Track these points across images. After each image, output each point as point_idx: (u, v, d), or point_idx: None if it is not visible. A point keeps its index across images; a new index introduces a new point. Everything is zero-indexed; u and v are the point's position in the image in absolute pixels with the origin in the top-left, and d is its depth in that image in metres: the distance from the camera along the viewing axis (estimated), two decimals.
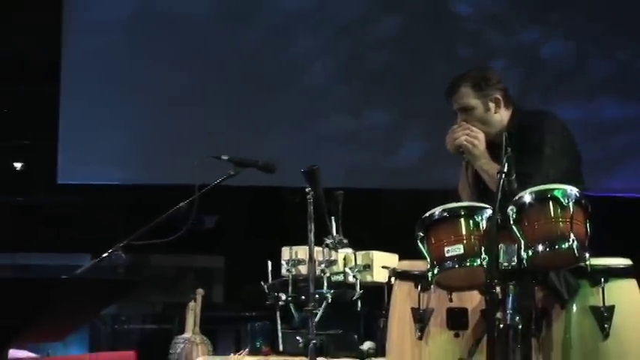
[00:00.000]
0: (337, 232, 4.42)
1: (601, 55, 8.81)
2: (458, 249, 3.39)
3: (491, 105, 4.11)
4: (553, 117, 4.06)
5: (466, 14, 8.89)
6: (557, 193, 3.29)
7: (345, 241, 4.48)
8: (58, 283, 3.16)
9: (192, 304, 5.23)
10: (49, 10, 8.69)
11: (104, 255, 3.90)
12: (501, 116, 4.12)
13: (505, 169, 3.31)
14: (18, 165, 9.62)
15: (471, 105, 4.10)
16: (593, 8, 8.87)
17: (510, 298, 3.19)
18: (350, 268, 4.53)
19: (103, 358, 3.50)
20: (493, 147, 3.99)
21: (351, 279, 4.51)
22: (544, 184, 3.49)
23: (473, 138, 4.01)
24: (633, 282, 3.57)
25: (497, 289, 3.25)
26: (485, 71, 4.23)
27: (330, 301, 4.10)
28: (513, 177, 3.33)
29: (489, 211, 3.37)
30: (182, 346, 5.05)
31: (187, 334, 5.13)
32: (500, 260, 3.22)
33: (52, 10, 8.66)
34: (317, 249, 4.11)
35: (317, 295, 4.02)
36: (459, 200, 4.05)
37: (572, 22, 8.87)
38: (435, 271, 3.45)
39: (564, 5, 8.86)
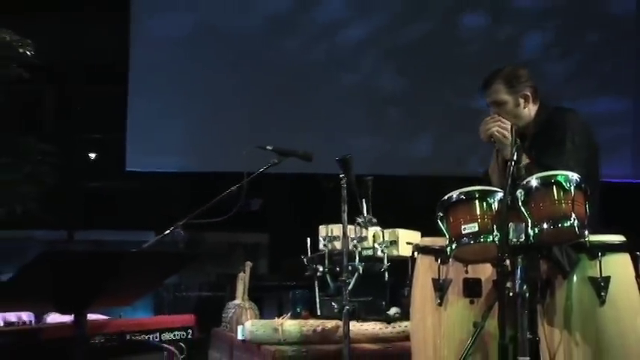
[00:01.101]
0: (367, 213, 4.41)
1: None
2: (473, 227, 3.38)
3: (521, 100, 4.01)
4: (575, 114, 3.96)
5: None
6: (560, 179, 3.27)
7: (375, 220, 4.48)
8: (129, 255, 3.19)
9: (241, 274, 5.22)
10: (118, 23, 8.73)
11: (166, 232, 3.92)
12: (529, 111, 4.04)
13: (514, 158, 3.29)
14: (92, 155, 9.70)
15: (502, 100, 4.02)
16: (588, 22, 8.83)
17: (519, 269, 3.18)
18: (378, 244, 4.53)
19: (167, 320, 3.50)
20: (520, 136, 3.91)
21: (379, 253, 4.51)
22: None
23: (503, 129, 3.88)
24: (627, 256, 3.53)
25: (507, 262, 3.22)
26: (517, 69, 4.11)
27: (361, 272, 4.10)
28: (521, 165, 3.31)
29: (500, 194, 3.36)
30: (233, 310, 5.05)
31: (238, 301, 5.13)
32: (510, 237, 3.20)
33: (121, 23, 8.70)
34: (350, 227, 4.09)
35: (350, 267, 4.01)
36: (489, 181, 4.02)
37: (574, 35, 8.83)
38: (453, 247, 3.44)
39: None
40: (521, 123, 3.98)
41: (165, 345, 3.38)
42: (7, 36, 7.17)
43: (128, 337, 3.26)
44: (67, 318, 3.16)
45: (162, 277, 3.83)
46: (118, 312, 3.50)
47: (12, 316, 3.14)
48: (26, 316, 3.11)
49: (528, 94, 4.03)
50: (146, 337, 3.33)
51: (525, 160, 3.72)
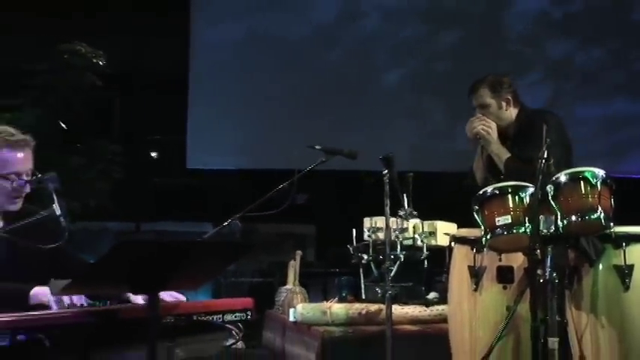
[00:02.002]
0: (408, 206, 4.41)
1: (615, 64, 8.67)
2: (506, 219, 3.39)
3: (503, 103, 4.20)
4: (551, 115, 4.10)
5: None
6: (587, 174, 3.27)
7: (415, 213, 4.48)
8: (196, 244, 3.22)
9: (292, 262, 5.25)
10: (178, 35, 8.80)
11: (225, 224, 3.96)
12: (511, 113, 4.22)
13: (545, 156, 3.28)
14: (156, 155, 9.79)
15: (487, 103, 4.21)
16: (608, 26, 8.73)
17: (548, 258, 3.18)
18: (418, 235, 4.53)
19: (229, 303, 3.51)
20: (503, 137, 4.16)
21: (419, 243, 4.52)
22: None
23: (487, 127, 4.13)
24: None
25: (538, 251, 3.23)
26: (500, 77, 4.29)
27: (402, 260, 4.10)
28: (551, 161, 3.30)
29: (531, 189, 3.36)
30: (285, 294, 5.08)
31: (289, 286, 5.15)
32: (541, 228, 3.21)
33: (181, 35, 8.77)
34: (392, 219, 4.10)
35: (392, 256, 4.02)
36: (474, 177, 4.25)
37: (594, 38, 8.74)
38: (488, 237, 3.45)
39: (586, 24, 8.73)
40: (503, 124, 4.18)
41: (228, 325, 3.40)
42: (83, 48, 7.26)
43: (195, 317, 3.28)
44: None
45: (225, 265, 3.85)
46: (186, 295, 3.52)
47: (66, 299, 3.17)
48: (77, 299, 3.14)
49: (510, 98, 4.21)
50: (211, 318, 3.34)
51: (507, 155, 4.02)
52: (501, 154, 4.11)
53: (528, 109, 4.26)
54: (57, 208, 3.16)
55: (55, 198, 3.17)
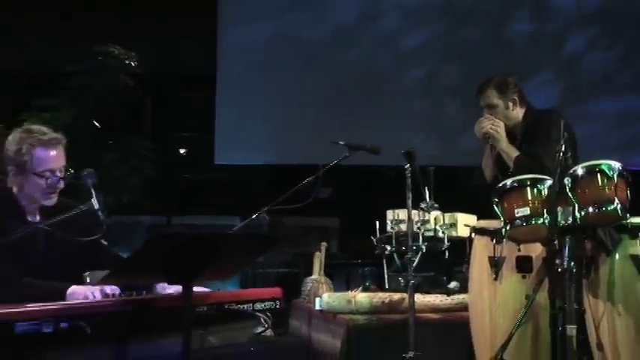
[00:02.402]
0: (429, 199, 4.40)
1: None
2: (525, 211, 3.40)
3: (510, 104, 4.19)
4: (557, 114, 4.07)
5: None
6: (604, 167, 3.28)
7: (436, 205, 4.47)
8: (226, 236, 3.24)
9: (317, 253, 5.25)
10: (206, 36, 8.83)
11: (252, 217, 3.97)
12: (517, 112, 4.21)
13: (562, 149, 3.27)
14: (185, 151, 9.82)
15: (494, 103, 4.20)
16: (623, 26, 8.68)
17: (566, 248, 3.19)
18: (439, 226, 4.54)
19: (258, 293, 3.52)
20: (510, 136, 4.15)
21: (440, 234, 4.52)
22: (551, 163, 3.52)
23: (496, 127, 4.12)
24: None
25: (556, 241, 3.23)
26: (506, 78, 4.27)
27: (424, 251, 4.07)
28: (569, 155, 3.30)
29: (549, 182, 3.37)
30: (311, 284, 5.09)
31: (315, 276, 5.15)
32: (559, 219, 3.22)
33: (209, 36, 8.81)
34: (414, 212, 4.11)
35: (414, 247, 4.01)
36: (482, 175, 4.27)
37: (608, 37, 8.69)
38: (508, 228, 3.47)
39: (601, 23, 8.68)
40: (510, 123, 4.18)
41: (257, 313, 3.42)
42: (116, 50, 7.30)
43: (226, 306, 3.30)
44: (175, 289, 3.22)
45: (254, 256, 3.88)
46: (216, 286, 3.55)
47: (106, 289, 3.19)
48: (110, 289, 3.16)
49: (516, 98, 4.20)
50: (241, 307, 3.36)
51: (516, 153, 4.02)
52: (510, 152, 4.11)
53: (534, 109, 4.26)
54: (95, 203, 3.19)
55: (93, 193, 3.20)
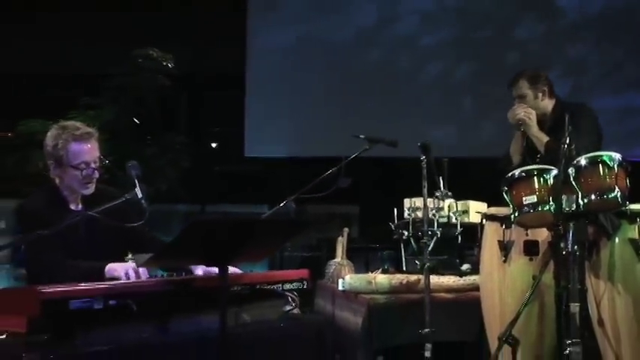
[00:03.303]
0: (443, 188, 4.40)
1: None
2: (532, 199, 3.39)
3: (540, 94, 4.20)
4: (588, 108, 4.12)
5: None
6: (605, 158, 3.27)
7: (450, 193, 4.45)
8: (260, 222, 3.28)
9: (340, 238, 5.24)
10: (236, 39, 8.87)
11: (280, 205, 3.99)
12: (546, 104, 4.22)
13: (567, 141, 3.27)
14: (217, 145, 9.86)
15: (524, 93, 4.21)
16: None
17: (570, 233, 3.18)
18: (453, 213, 4.52)
19: (288, 274, 3.55)
20: (538, 124, 4.15)
21: (453, 220, 4.51)
22: (583, 151, 3.47)
23: (528, 113, 4.12)
24: None
25: (561, 226, 3.23)
26: (537, 70, 4.30)
27: (438, 236, 4.08)
28: (573, 147, 3.30)
29: (555, 171, 3.36)
30: (334, 267, 5.08)
31: (337, 259, 5.14)
32: (563, 206, 3.21)
33: (239, 39, 8.84)
34: (429, 200, 4.11)
35: (429, 232, 4.01)
36: (510, 160, 4.24)
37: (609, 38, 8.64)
38: (516, 214, 3.46)
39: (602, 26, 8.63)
40: (539, 112, 4.16)
41: (286, 293, 3.45)
42: (154, 53, 7.34)
43: (258, 286, 3.33)
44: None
45: (285, 240, 3.90)
46: (247, 268, 3.58)
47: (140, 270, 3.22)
48: (142, 271, 3.19)
49: (546, 89, 4.21)
50: (272, 287, 3.40)
51: (546, 138, 4.02)
52: (541, 137, 4.11)
53: (564, 102, 4.26)
54: (138, 192, 3.22)
55: (137, 183, 3.24)
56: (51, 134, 3.49)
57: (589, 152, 3.34)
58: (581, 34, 8.64)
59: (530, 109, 4.15)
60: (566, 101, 4.31)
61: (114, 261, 3.25)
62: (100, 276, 3.15)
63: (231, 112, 9.05)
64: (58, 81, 8.85)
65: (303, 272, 3.57)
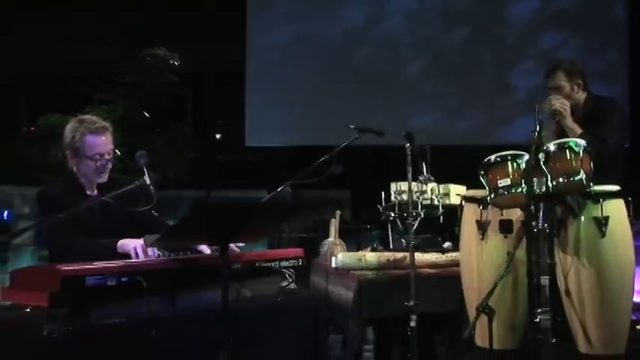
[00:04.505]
0: (426, 173, 4.36)
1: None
2: (507, 181, 3.41)
3: (575, 87, 4.10)
4: (617, 102, 4.07)
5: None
6: (571, 144, 3.28)
7: (432, 178, 4.39)
8: (259, 205, 3.29)
9: (333, 220, 5.21)
10: (236, 38, 8.86)
11: (278, 190, 3.99)
12: (580, 96, 4.12)
13: (537, 129, 3.26)
14: (219, 135, 9.85)
15: (561, 85, 4.09)
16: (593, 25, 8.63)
17: (541, 212, 3.16)
18: (435, 196, 4.49)
19: (284, 253, 3.57)
20: (573, 115, 4.03)
21: (435, 202, 4.47)
22: (614, 146, 3.64)
23: (564, 105, 3.99)
24: (621, 201, 3.51)
25: (532, 207, 3.23)
26: (574, 64, 4.21)
27: (422, 216, 4.03)
28: (543, 134, 3.28)
29: (527, 156, 3.36)
30: (327, 246, 5.05)
31: (331, 239, 5.11)
32: (535, 188, 3.20)
33: (239, 40, 8.84)
34: (413, 183, 4.09)
35: (414, 213, 3.98)
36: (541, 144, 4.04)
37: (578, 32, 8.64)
38: (492, 196, 3.48)
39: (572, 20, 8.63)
40: (573, 104, 4.04)
41: (284, 270, 3.47)
42: (162, 52, 7.33)
43: (257, 264, 3.34)
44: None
45: (281, 221, 3.91)
46: (247, 248, 3.58)
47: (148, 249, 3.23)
48: (151, 251, 3.21)
49: (581, 82, 4.10)
50: (270, 265, 3.41)
51: (579, 130, 3.88)
52: (575, 128, 3.98)
53: (594, 95, 4.17)
54: (147, 179, 3.24)
55: (145, 171, 3.26)
56: (70, 127, 3.51)
57: (620, 146, 3.30)
58: (553, 29, 8.64)
59: (565, 101, 4.01)
60: (596, 94, 4.20)
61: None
62: (113, 251, 3.18)
63: (233, 106, 9.05)
64: (75, 80, 8.84)
65: (298, 251, 3.59)
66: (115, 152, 3.52)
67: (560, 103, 3.99)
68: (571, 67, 4.15)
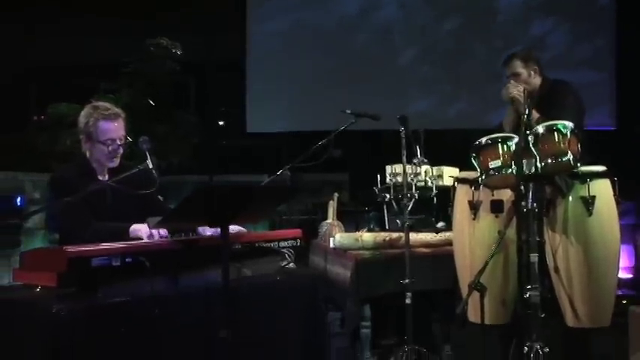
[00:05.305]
0: (420, 155, 4.38)
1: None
2: (497, 163, 3.38)
3: (532, 73, 4.10)
4: (570, 85, 4.05)
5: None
6: (559, 126, 3.24)
7: (426, 160, 4.43)
8: (257, 188, 3.28)
9: (331, 202, 5.23)
10: (237, 27, 8.84)
11: (277, 173, 3.98)
12: (536, 81, 4.13)
13: (527, 112, 3.26)
14: (221, 122, 9.84)
15: (518, 72, 4.10)
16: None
17: (530, 192, 3.17)
18: (429, 177, 4.49)
19: (283, 233, 3.56)
20: (530, 100, 3.97)
21: (429, 184, 4.48)
22: None
23: (520, 91, 3.99)
24: (607, 181, 3.52)
25: (522, 187, 3.24)
26: (529, 50, 4.24)
27: (416, 197, 4.04)
28: (532, 117, 3.28)
29: (516, 139, 3.35)
30: (326, 227, 5.07)
31: (329, 220, 5.13)
32: (524, 169, 3.20)
33: (239, 30, 8.82)
34: (408, 166, 4.08)
35: (408, 194, 3.99)
36: (503, 130, 4.07)
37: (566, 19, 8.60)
38: (483, 177, 3.45)
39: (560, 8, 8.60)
40: (530, 89, 4.03)
41: (283, 250, 3.46)
42: (164, 41, 7.29)
43: (257, 244, 3.34)
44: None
45: (278, 204, 3.90)
46: (249, 227, 3.58)
47: (155, 233, 3.23)
48: (163, 232, 3.21)
49: (536, 68, 4.10)
50: (269, 245, 3.41)
51: (536, 115, 3.82)
52: (532, 113, 3.93)
53: (549, 79, 4.18)
54: (149, 163, 3.23)
55: (147, 155, 3.25)
56: (84, 112, 3.53)
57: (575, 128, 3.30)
58: (542, 17, 8.61)
59: (522, 88, 4.03)
60: (551, 78, 4.22)
61: (136, 223, 3.28)
62: (125, 235, 3.18)
63: (234, 94, 9.02)
64: (81, 70, 8.81)
65: (297, 232, 3.58)
66: (127, 139, 3.52)
67: (517, 90, 4.01)
68: (526, 54, 4.17)
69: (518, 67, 4.13)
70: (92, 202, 3.31)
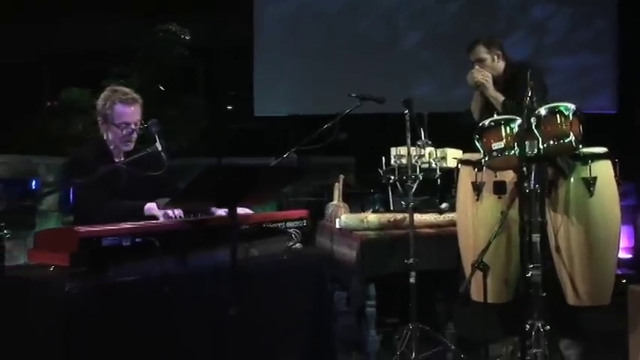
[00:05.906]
0: (424, 138, 4.36)
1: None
2: (500, 145, 3.37)
3: (496, 57, 4.21)
4: (533, 65, 4.01)
5: None
6: (562, 108, 3.22)
7: (429, 142, 4.41)
8: (263, 169, 3.27)
9: (337, 184, 5.24)
10: (244, 12, 8.81)
11: (284, 156, 3.97)
12: (500, 65, 4.22)
13: (529, 94, 3.23)
14: (229, 107, 9.83)
15: (483, 57, 4.21)
16: None
17: (532, 173, 3.16)
18: (433, 159, 4.45)
19: (290, 214, 3.55)
20: (494, 84, 4.17)
21: (433, 166, 4.44)
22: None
23: (485, 76, 4.14)
24: (608, 162, 3.49)
25: (525, 168, 3.22)
26: (492, 37, 4.31)
27: (420, 179, 4.03)
28: (535, 99, 3.25)
29: (519, 121, 3.33)
30: (332, 208, 5.08)
31: (335, 202, 5.15)
32: (527, 151, 3.18)
33: (246, 14, 8.80)
34: (412, 148, 4.08)
35: (413, 176, 4.00)
36: (471, 116, 4.29)
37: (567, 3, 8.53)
38: (486, 159, 3.44)
39: None
40: (494, 74, 4.19)
41: (290, 230, 3.46)
42: (173, 27, 7.28)
43: (264, 225, 3.34)
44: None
45: (285, 184, 3.90)
46: (257, 209, 3.57)
47: (170, 212, 3.23)
48: (178, 212, 3.21)
49: (500, 52, 4.21)
50: (276, 225, 3.40)
51: (502, 97, 3.99)
52: (498, 96, 4.12)
53: (513, 62, 4.24)
54: (158, 145, 3.23)
55: (157, 138, 3.24)
56: (103, 95, 3.55)
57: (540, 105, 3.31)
58: (542, 1, 8.54)
59: (487, 72, 4.15)
60: (514, 61, 4.29)
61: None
62: (140, 213, 3.19)
63: (242, 77, 9.01)
64: (92, 55, 8.79)
65: (303, 212, 3.58)
66: (142, 124, 3.51)
67: (482, 75, 4.13)
68: (489, 40, 4.25)
69: (482, 52, 4.22)
70: (107, 183, 3.33)
